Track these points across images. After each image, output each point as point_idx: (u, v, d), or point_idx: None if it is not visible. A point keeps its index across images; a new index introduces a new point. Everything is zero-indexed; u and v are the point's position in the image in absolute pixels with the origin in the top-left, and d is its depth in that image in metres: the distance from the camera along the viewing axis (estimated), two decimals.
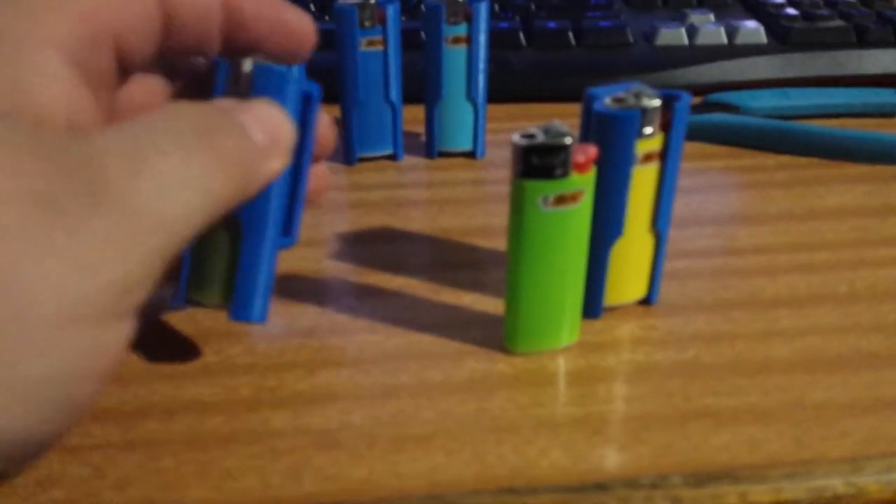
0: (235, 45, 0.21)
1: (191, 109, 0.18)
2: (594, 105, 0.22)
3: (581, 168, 0.21)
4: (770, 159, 0.34)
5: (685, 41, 0.41)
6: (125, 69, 0.20)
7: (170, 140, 0.17)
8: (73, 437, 0.21)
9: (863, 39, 0.41)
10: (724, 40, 0.41)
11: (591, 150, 0.21)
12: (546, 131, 0.21)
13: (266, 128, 0.19)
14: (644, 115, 0.22)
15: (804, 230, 0.29)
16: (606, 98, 0.23)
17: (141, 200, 0.15)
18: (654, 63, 0.40)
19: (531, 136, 0.21)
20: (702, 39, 0.41)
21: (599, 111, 0.22)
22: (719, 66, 0.39)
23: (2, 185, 0.14)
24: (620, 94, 0.23)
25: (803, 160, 0.34)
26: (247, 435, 0.21)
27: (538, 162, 0.21)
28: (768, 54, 0.40)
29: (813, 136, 0.34)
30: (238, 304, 0.21)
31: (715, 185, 0.32)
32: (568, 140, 0.21)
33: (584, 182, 0.21)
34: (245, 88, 0.20)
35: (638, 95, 0.23)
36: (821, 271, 0.27)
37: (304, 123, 0.22)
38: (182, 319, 0.25)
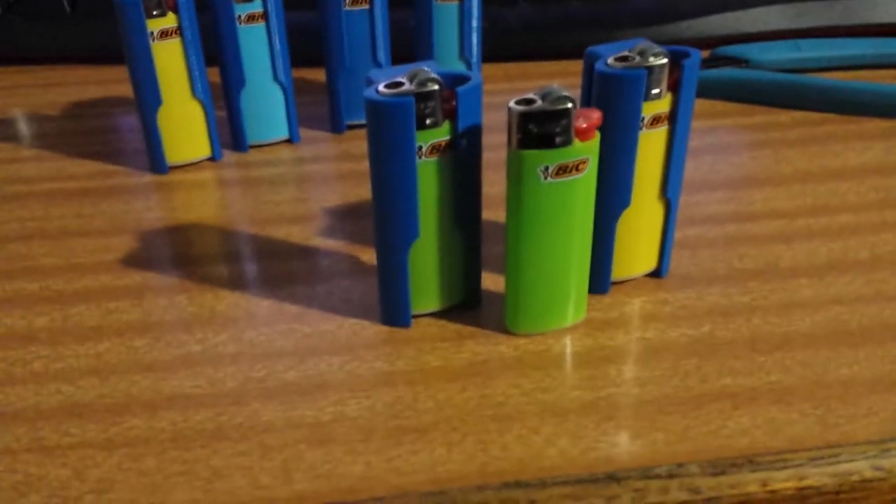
0: None
1: None
2: (596, 65, 0.21)
3: (584, 135, 0.20)
4: (783, 116, 0.32)
5: None
6: None
7: None
8: (50, 437, 0.19)
9: None
10: None
11: (595, 115, 0.20)
12: (545, 96, 0.19)
13: None
14: (651, 74, 0.20)
15: (822, 192, 0.28)
16: (609, 57, 0.21)
17: None
18: (658, 15, 0.37)
19: (529, 102, 0.19)
20: None
21: (602, 72, 0.20)
22: (727, 17, 0.37)
23: None
24: (624, 53, 0.21)
25: (818, 116, 0.32)
26: (234, 430, 0.19)
27: (537, 130, 0.19)
28: (778, 3, 0.38)
29: (828, 90, 0.32)
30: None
31: (725, 146, 0.31)
32: (569, 105, 0.19)
33: (587, 150, 0.20)
34: None
35: (643, 53, 0.21)
36: (841, 236, 0.25)
37: None
38: (163, 305, 0.24)
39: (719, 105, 0.33)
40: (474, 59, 0.32)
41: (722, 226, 0.26)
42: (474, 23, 0.32)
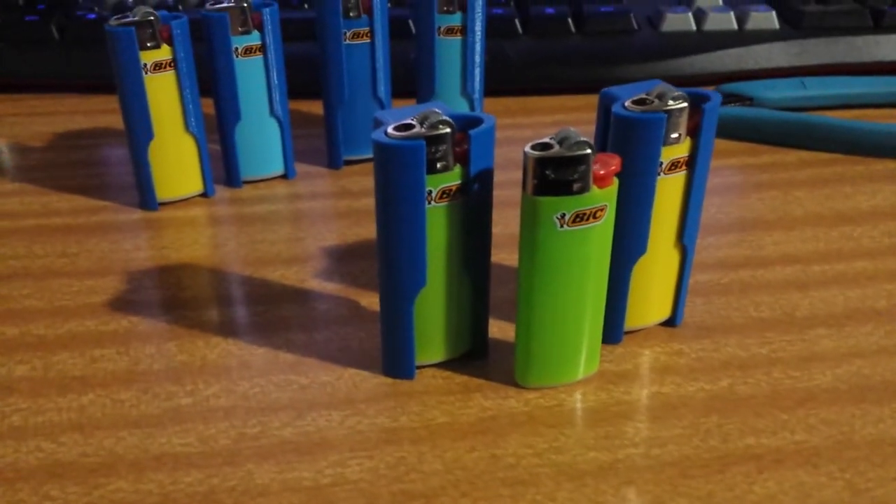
0: None
1: None
2: (613, 108, 0.20)
3: (602, 181, 0.19)
4: (790, 155, 0.32)
5: (692, 27, 0.38)
6: None
7: None
8: (30, 500, 0.18)
9: (879, 24, 0.38)
10: (734, 26, 0.38)
11: (613, 161, 0.19)
12: (561, 141, 0.18)
13: None
14: (670, 118, 0.20)
15: (834, 236, 0.27)
16: (626, 100, 0.20)
17: None
18: (659, 51, 0.37)
19: (545, 147, 0.18)
20: (710, 25, 0.38)
21: (620, 115, 0.20)
22: (730, 54, 0.37)
23: None
24: (642, 95, 0.20)
25: (825, 156, 0.32)
26: (226, 495, 0.18)
27: (554, 176, 0.18)
28: (781, 40, 0.37)
29: (836, 129, 0.32)
30: None
31: (733, 186, 0.30)
32: (587, 150, 0.18)
33: (605, 197, 0.19)
34: None
35: (662, 96, 0.20)
36: (858, 283, 0.25)
37: None
38: (151, 353, 0.22)
39: (723, 144, 0.33)
40: (476, 95, 0.31)
41: (735, 271, 0.25)
42: (477, 58, 0.31)
